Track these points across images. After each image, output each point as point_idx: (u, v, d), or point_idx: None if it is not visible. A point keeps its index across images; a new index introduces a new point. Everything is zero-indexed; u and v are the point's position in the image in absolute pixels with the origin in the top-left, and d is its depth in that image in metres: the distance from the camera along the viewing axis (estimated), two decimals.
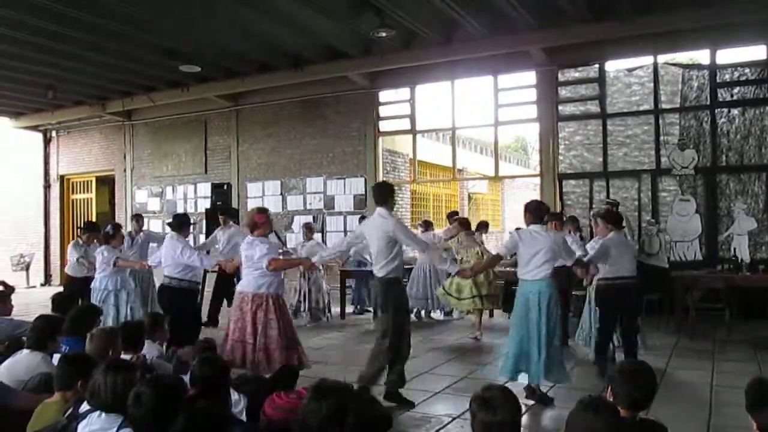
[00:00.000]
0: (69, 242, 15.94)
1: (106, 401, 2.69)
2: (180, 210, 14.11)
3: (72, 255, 8.24)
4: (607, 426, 2.27)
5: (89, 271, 7.92)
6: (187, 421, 2.66)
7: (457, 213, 10.18)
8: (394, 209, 12.47)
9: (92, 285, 6.97)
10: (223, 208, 10.29)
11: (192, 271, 6.16)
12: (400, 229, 5.06)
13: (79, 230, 9.07)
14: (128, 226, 9.74)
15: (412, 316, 8.85)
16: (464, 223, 8.07)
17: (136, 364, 3.27)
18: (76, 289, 7.88)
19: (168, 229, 6.71)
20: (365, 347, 7.64)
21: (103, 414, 2.66)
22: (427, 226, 9.74)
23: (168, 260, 6.07)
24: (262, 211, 5.37)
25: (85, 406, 2.79)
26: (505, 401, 2.33)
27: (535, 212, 5.20)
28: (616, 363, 4.39)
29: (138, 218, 9.37)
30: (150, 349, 4.43)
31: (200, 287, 6.58)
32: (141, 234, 9.05)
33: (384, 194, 5.16)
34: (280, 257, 5.85)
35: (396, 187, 12.74)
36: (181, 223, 6.35)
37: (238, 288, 5.30)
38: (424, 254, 6.86)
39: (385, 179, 12.16)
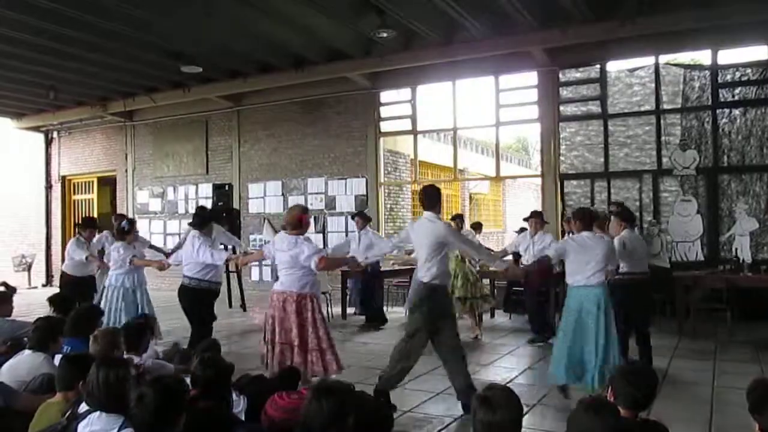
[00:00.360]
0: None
1: (100, 398, 2.69)
2: (181, 210, 14.15)
3: (76, 253, 7.92)
4: (608, 427, 2.28)
5: (99, 268, 7.90)
6: (189, 421, 2.67)
7: (461, 215, 10.17)
8: (396, 210, 12.61)
9: (107, 282, 6.80)
10: (198, 209, 9.87)
11: (212, 271, 5.96)
12: (453, 234, 5.03)
13: (76, 227, 8.71)
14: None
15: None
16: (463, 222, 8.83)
17: (130, 363, 3.25)
18: (76, 288, 7.68)
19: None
20: (366, 347, 7.67)
21: (104, 414, 2.66)
22: None
23: (188, 259, 5.89)
24: (306, 210, 5.18)
25: (84, 407, 2.79)
26: (506, 401, 2.33)
27: (585, 220, 5.24)
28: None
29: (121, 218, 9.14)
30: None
31: (220, 288, 6.35)
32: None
33: (433, 198, 5.00)
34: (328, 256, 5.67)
35: (396, 188, 12.85)
36: (201, 220, 6.10)
37: (279, 288, 5.01)
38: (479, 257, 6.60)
39: (385, 179, 12.19)
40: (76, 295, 6.91)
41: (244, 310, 10.67)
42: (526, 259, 7.86)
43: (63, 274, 8.25)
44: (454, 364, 4.89)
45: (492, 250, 8.22)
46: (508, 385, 5.42)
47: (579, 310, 5.04)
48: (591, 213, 5.48)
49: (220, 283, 6.32)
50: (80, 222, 8.81)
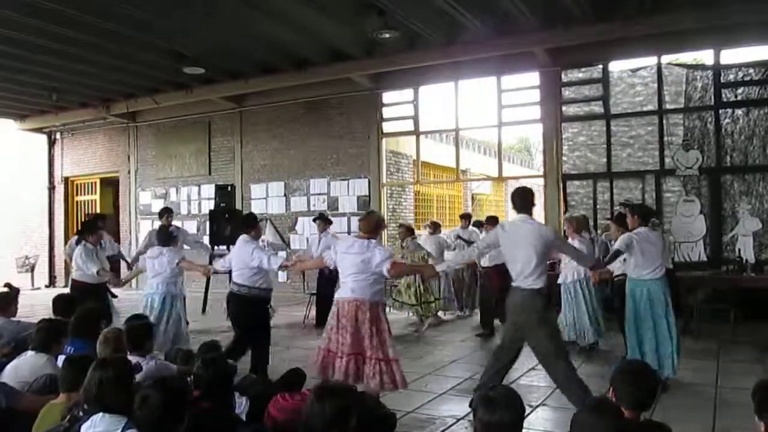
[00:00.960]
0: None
1: (101, 399, 2.69)
2: (184, 212, 14.16)
3: (87, 266, 7.07)
4: (611, 427, 2.28)
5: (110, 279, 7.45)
6: (192, 422, 2.67)
7: (470, 215, 10.17)
8: (398, 211, 12.61)
9: (148, 290, 6.47)
10: (164, 208, 9.62)
11: (263, 278, 5.67)
12: (559, 238, 4.96)
13: (79, 233, 7.76)
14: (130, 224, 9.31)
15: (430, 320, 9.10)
16: (410, 230, 9.28)
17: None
18: (89, 297, 6.73)
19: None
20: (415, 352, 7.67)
21: (107, 415, 2.66)
22: (435, 227, 9.83)
23: (240, 264, 5.59)
24: (383, 220, 5.00)
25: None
26: (508, 401, 2.33)
27: (643, 216, 5.68)
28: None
29: (165, 212, 9.02)
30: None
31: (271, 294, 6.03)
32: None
33: (528, 200, 4.71)
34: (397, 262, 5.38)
35: (399, 188, 12.86)
36: (249, 224, 5.84)
37: (348, 295, 4.68)
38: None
39: (388, 180, 12.19)
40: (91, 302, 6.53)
41: None
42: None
43: (74, 282, 7.40)
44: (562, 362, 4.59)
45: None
46: (511, 385, 5.44)
47: (649, 300, 5.45)
48: (646, 209, 6.05)
49: (271, 290, 5.97)
50: (82, 226, 7.94)
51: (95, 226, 7.49)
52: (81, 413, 2.79)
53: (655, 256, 5.49)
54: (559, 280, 7.35)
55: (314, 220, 9.61)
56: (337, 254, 4.87)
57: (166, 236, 6.62)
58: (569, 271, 7.20)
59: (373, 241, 4.83)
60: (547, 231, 4.72)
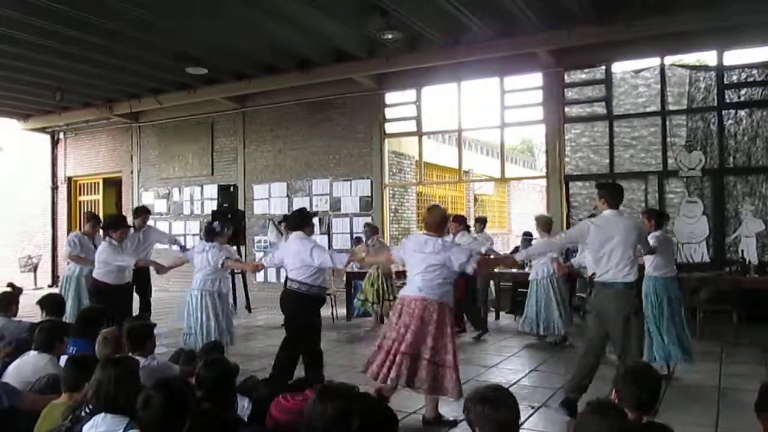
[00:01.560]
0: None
1: (108, 397, 2.70)
2: (187, 212, 14.18)
3: (119, 258, 6.59)
4: (615, 429, 2.27)
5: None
6: (193, 422, 2.66)
7: (485, 219, 10.13)
8: (400, 211, 12.59)
9: (194, 287, 6.22)
10: (139, 207, 9.29)
11: (322, 276, 5.44)
12: (645, 231, 5.28)
13: (104, 229, 7.16)
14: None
15: None
16: (375, 230, 9.46)
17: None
18: (113, 298, 6.44)
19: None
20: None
21: (108, 415, 2.66)
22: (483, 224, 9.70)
23: (296, 263, 5.32)
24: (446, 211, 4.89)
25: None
26: (508, 400, 2.33)
27: (659, 219, 6.21)
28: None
29: (141, 212, 8.50)
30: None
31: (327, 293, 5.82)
32: (142, 230, 8.19)
33: (622, 196, 4.85)
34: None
35: (401, 189, 12.85)
36: (303, 221, 5.60)
37: (415, 294, 4.52)
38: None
39: (390, 180, 12.19)
40: (113, 307, 5.92)
41: (249, 311, 10.67)
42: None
43: (95, 282, 6.78)
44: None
45: None
46: (513, 386, 5.43)
47: (669, 297, 5.96)
48: (662, 213, 6.59)
49: (327, 289, 5.87)
50: (109, 221, 7.26)
51: (121, 222, 7.03)
52: (84, 413, 2.79)
53: (672, 257, 6.23)
54: (531, 276, 7.88)
55: (280, 223, 9.46)
56: (406, 251, 4.73)
57: (211, 232, 6.32)
58: (540, 267, 7.67)
59: (447, 239, 4.82)
60: (640, 224, 5.13)
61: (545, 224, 7.78)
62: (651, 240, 5.65)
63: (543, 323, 7.59)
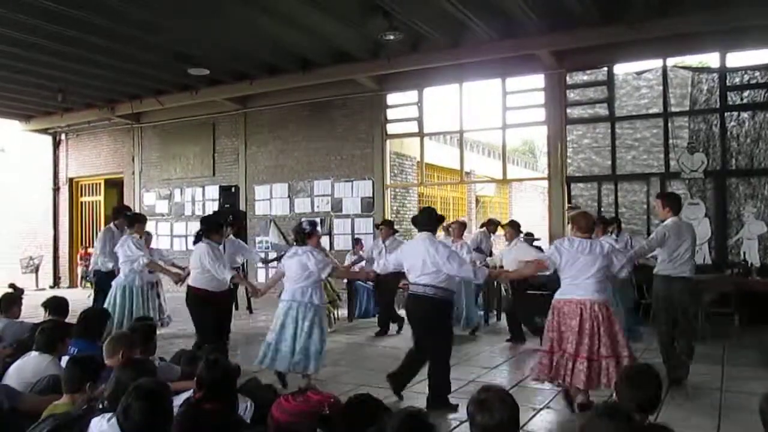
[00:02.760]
0: (80, 248, 16.13)
1: (115, 397, 2.70)
2: (188, 212, 14.19)
3: (219, 269, 5.90)
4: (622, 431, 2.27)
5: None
6: (195, 423, 2.66)
7: (498, 222, 10.11)
8: (402, 212, 12.59)
9: (293, 298, 5.55)
10: (119, 206, 9.23)
11: (451, 280, 5.17)
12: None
13: (229, 224, 6.80)
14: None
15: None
16: (391, 225, 9.26)
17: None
18: (217, 307, 6.02)
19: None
20: (373, 350, 7.67)
21: (114, 419, 2.66)
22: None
23: (427, 267, 5.02)
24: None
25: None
26: (502, 403, 2.32)
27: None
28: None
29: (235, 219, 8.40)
30: None
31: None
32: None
33: (681, 203, 6.03)
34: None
35: (403, 190, 12.85)
36: (432, 221, 5.34)
37: (579, 296, 4.62)
38: None
39: (392, 181, 12.18)
40: (215, 317, 5.78)
41: (251, 312, 10.67)
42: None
43: (195, 290, 6.04)
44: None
45: None
46: (514, 388, 5.42)
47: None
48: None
49: (455, 292, 5.59)
50: (207, 222, 6.42)
51: (225, 221, 6.50)
52: (100, 407, 2.80)
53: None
54: None
55: (378, 227, 9.56)
56: (562, 255, 4.72)
57: (302, 233, 5.69)
58: None
59: (605, 241, 5.23)
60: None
61: (516, 230, 8.05)
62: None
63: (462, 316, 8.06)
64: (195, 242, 6.11)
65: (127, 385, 2.70)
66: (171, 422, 2.59)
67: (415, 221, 5.45)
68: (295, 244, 5.81)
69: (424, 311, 5.11)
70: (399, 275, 6.28)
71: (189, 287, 6.06)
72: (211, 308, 5.93)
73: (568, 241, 4.83)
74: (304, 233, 5.62)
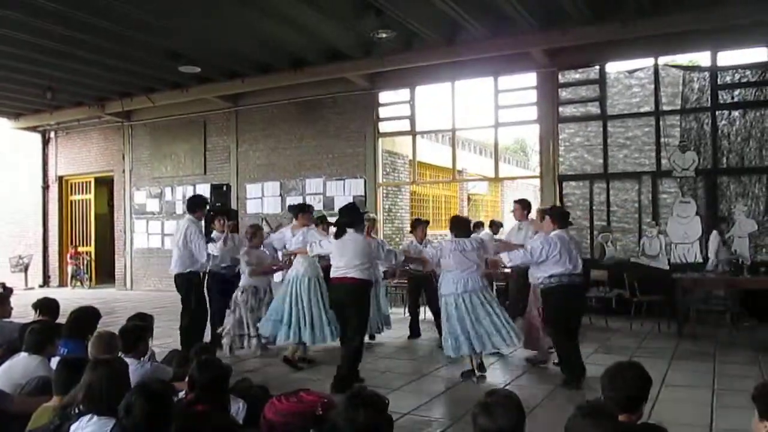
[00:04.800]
0: (70, 246, 16.01)
1: (97, 398, 2.66)
2: (179, 211, 14.10)
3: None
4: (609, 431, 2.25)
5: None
6: (187, 425, 2.63)
7: (500, 224, 10.11)
8: (394, 211, 12.57)
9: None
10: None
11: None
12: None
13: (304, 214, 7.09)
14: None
15: None
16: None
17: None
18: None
19: None
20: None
21: (95, 417, 2.64)
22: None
23: (573, 259, 5.75)
24: None
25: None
26: (507, 407, 2.29)
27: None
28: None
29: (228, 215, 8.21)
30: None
31: None
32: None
33: (567, 219, 6.11)
34: None
35: (395, 188, 12.83)
36: (563, 216, 6.03)
37: None
38: None
39: (384, 180, 12.17)
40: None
41: None
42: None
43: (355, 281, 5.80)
44: None
45: None
46: (507, 387, 5.42)
47: None
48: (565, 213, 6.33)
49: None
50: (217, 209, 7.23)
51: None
52: (74, 413, 2.76)
53: None
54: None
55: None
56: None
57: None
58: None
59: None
60: None
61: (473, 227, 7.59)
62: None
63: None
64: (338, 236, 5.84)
65: (98, 386, 2.67)
66: (171, 425, 2.56)
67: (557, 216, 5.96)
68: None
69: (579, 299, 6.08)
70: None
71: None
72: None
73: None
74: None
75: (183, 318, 6.65)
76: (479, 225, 10.34)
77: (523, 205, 8.14)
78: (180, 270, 6.59)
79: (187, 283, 6.57)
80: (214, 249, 6.67)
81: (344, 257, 5.50)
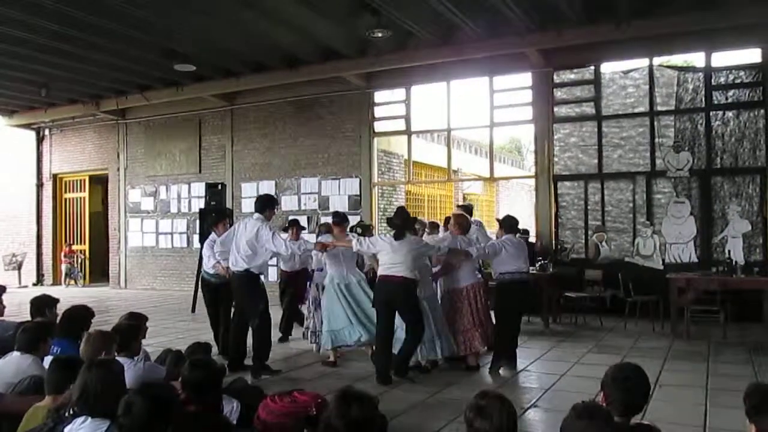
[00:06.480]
0: (64, 245, 15.96)
1: (92, 399, 2.65)
2: (174, 210, 14.09)
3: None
4: None
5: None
6: (180, 425, 2.62)
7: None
8: (389, 210, 12.55)
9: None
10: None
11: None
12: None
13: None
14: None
15: None
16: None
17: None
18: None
19: None
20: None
21: (89, 418, 2.62)
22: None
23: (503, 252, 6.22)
24: None
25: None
26: (500, 409, 2.29)
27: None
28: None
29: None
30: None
31: None
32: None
33: (516, 226, 6.54)
34: None
35: (390, 188, 12.83)
36: (511, 225, 6.47)
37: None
38: None
39: (379, 179, 12.16)
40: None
41: (194, 311, 10.49)
42: None
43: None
44: None
45: None
46: (499, 388, 5.42)
47: None
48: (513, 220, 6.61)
49: None
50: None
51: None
52: (68, 414, 2.74)
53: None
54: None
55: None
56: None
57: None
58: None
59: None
60: None
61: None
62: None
63: None
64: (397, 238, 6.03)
65: (93, 387, 2.65)
66: (169, 426, 2.54)
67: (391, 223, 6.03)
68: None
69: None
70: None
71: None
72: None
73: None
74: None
75: (234, 318, 6.46)
76: (435, 226, 10.15)
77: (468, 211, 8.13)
78: (244, 268, 6.26)
79: (253, 282, 6.30)
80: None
81: (398, 257, 5.82)
